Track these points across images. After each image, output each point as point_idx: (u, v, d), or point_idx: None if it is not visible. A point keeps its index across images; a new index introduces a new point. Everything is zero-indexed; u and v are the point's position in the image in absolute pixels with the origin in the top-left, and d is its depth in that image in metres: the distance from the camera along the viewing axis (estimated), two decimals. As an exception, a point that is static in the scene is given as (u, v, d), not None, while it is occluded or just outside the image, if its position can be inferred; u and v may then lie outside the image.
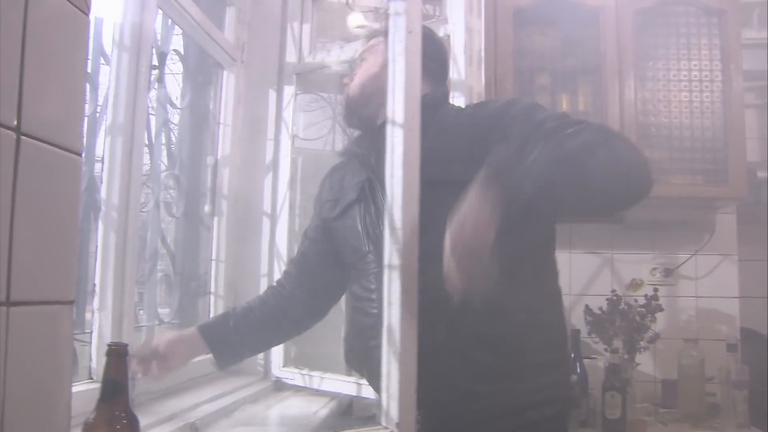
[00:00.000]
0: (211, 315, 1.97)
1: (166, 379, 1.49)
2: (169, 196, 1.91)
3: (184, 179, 1.94)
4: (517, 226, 1.10)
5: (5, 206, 0.64)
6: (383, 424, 1.01)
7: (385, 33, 1.56)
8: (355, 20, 2.07)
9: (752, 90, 2.59)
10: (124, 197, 1.45)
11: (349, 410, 1.86)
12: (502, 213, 1.07)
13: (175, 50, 1.89)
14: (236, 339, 1.56)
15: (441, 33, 1.81)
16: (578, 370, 2.18)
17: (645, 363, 2.39)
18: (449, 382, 1.28)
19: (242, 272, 2.06)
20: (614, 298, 2.36)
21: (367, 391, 1.72)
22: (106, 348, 0.84)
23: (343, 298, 1.62)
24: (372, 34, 1.60)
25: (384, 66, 1.48)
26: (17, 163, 0.65)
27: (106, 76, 1.46)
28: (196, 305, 2.01)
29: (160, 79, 1.67)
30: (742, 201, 2.37)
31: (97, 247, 1.42)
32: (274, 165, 2.07)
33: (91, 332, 1.40)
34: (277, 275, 1.94)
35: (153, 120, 1.75)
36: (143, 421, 0.92)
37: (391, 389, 1.00)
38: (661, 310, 2.33)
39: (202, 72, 2.05)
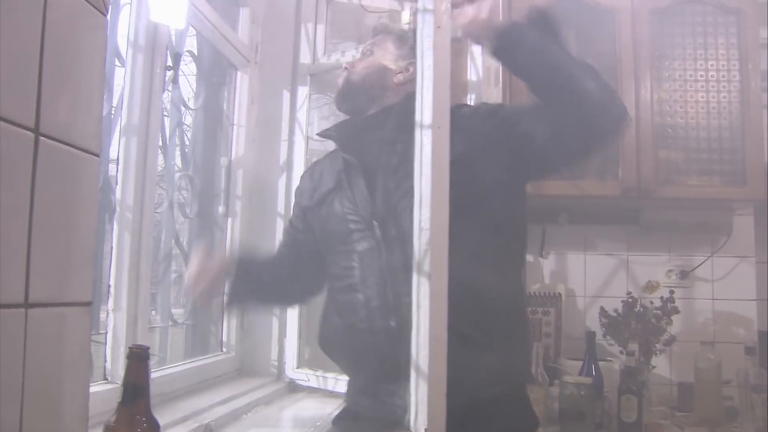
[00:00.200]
0: (225, 316, 1.98)
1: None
2: (182, 197, 1.91)
3: (198, 180, 1.94)
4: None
5: (23, 207, 0.63)
6: (411, 430, 0.99)
7: (391, 30, 1.58)
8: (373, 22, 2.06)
9: (771, 90, 2.55)
10: (139, 198, 1.45)
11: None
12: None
13: (189, 51, 1.89)
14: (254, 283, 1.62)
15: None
16: (593, 372, 2.16)
17: (661, 366, 2.37)
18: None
19: (256, 273, 2.05)
20: (630, 300, 2.34)
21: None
22: (125, 350, 0.84)
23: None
24: (380, 29, 1.61)
25: (388, 64, 1.50)
26: (35, 163, 0.65)
27: (120, 78, 1.47)
28: (210, 306, 2.00)
29: (175, 80, 1.67)
30: (760, 202, 2.33)
31: (112, 247, 1.42)
32: (288, 166, 2.06)
33: (105, 333, 1.40)
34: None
35: (167, 121, 1.75)
36: (158, 422, 0.91)
37: (419, 394, 0.98)
38: (677, 312, 2.31)
39: (216, 73, 2.05)
